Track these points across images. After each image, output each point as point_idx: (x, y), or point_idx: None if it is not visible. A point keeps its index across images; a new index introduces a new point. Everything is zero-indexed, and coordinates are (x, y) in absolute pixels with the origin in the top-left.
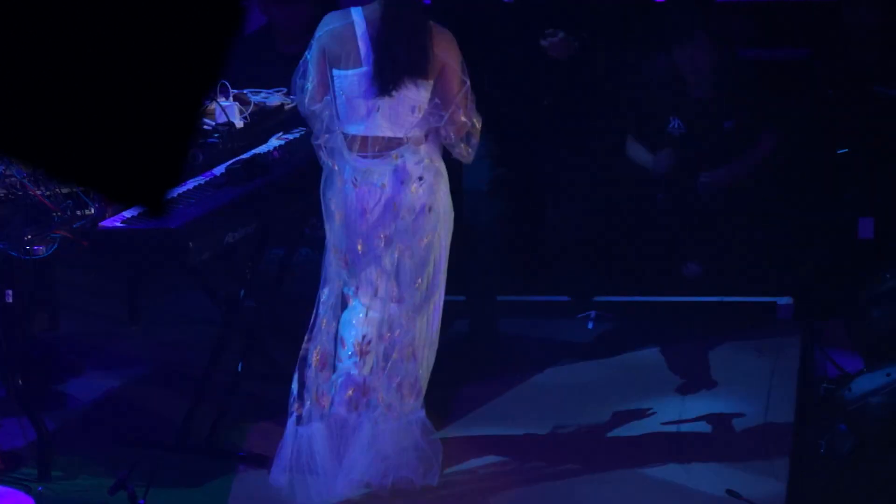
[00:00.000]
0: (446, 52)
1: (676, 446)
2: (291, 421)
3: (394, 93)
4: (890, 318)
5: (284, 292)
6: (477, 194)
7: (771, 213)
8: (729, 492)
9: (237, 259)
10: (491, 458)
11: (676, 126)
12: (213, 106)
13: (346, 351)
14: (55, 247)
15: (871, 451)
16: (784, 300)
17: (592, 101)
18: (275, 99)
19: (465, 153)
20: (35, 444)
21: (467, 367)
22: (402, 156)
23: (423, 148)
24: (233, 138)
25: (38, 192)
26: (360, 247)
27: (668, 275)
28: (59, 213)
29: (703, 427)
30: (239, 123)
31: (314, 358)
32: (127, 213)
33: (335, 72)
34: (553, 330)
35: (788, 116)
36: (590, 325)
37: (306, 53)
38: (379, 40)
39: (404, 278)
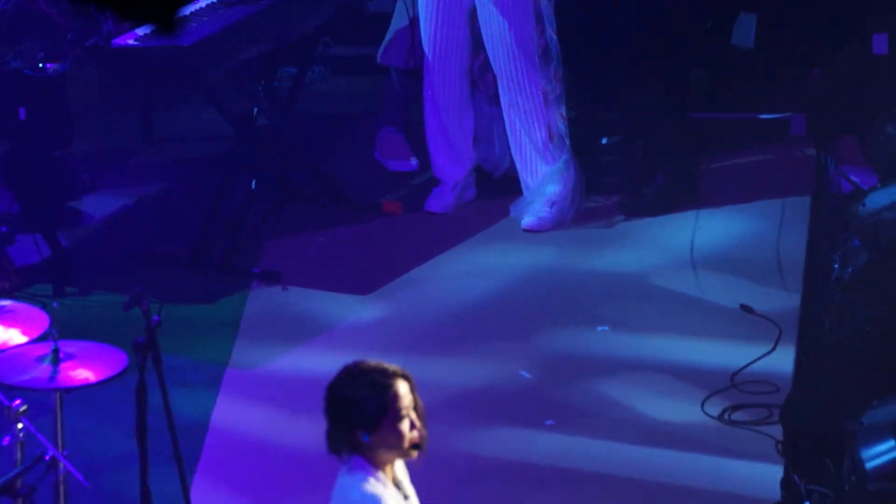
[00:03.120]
0: None
1: (690, 260)
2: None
3: None
4: None
5: (297, 110)
6: None
7: (784, 30)
8: (742, 307)
9: (250, 77)
10: None
11: None
12: None
13: None
14: (68, 65)
15: (884, 267)
16: (797, 116)
17: None
18: None
19: None
20: (50, 260)
21: None
22: None
23: None
24: None
25: (51, 10)
26: None
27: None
28: (71, 31)
29: (717, 242)
30: None
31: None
32: (139, 31)
33: None
34: None
35: None
36: (603, 140)
37: None
38: None
39: None
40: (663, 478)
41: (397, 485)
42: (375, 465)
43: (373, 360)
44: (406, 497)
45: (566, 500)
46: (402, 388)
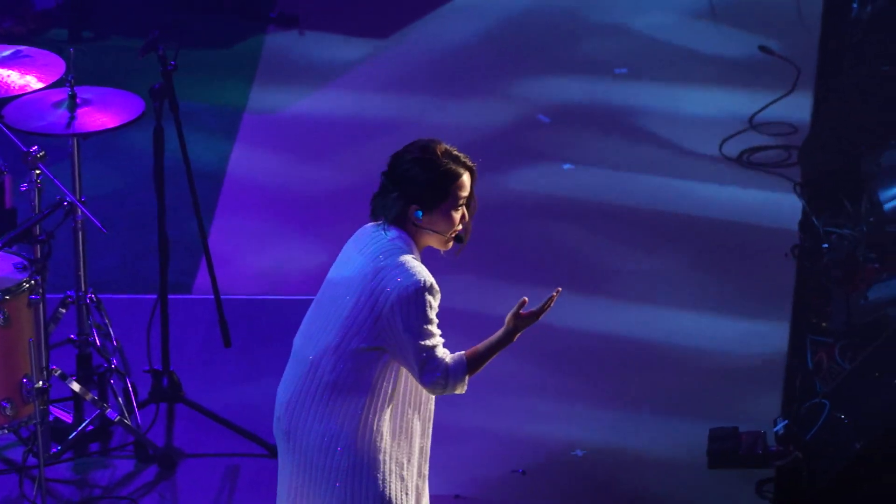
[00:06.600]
0: None
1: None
2: None
3: None
4: None
5: None
6: None
7: None
8: (762, 48)
9: None
10: None
11: None
12: None
13: None
14: None
15: None
16: None
17: None
18: None
19: None
20: (66, 4)
21: None
22: None
23: None
24: None
25: None
26: None
27: None
28: None
29: None
30: None
31: None
32: None
33: None
34: None
35: None
36: None
37: None
38: None
39: None
40: (680, 209)
41: None
42: (415, 242)
43: (446, 143)
44: None
45: (589, 228)
46: (467, 178)
